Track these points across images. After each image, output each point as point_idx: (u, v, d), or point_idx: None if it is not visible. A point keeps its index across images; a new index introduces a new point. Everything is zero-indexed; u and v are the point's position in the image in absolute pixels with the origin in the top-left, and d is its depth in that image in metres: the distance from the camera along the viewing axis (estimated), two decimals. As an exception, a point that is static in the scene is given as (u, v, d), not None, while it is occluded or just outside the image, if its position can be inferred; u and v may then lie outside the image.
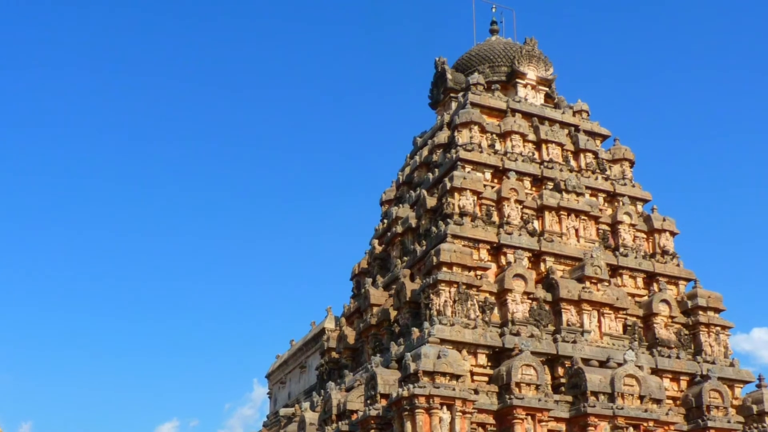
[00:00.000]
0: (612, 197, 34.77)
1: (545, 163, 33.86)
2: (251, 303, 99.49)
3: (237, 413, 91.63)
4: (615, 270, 32.42)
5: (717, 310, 32.52)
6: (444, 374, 25.81)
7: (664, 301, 31.71)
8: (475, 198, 31.42)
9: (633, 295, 32.20)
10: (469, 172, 32.16)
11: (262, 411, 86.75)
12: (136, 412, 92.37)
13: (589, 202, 33.16)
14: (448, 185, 31.25)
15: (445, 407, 25.33)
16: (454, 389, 25.53)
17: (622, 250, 32.87)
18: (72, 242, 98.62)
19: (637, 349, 29.83)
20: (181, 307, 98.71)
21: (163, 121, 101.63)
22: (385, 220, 36.44)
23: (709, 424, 29.28)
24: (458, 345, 27.62)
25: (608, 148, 36.40)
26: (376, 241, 36.28)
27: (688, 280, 33.64)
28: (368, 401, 27.47)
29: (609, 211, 34.18)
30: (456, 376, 25.99)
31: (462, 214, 30.89)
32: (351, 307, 35.63)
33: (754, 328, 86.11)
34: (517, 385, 26.74)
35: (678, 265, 33.75)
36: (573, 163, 34.88)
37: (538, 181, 33.46)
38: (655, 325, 31.21)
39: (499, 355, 28.25)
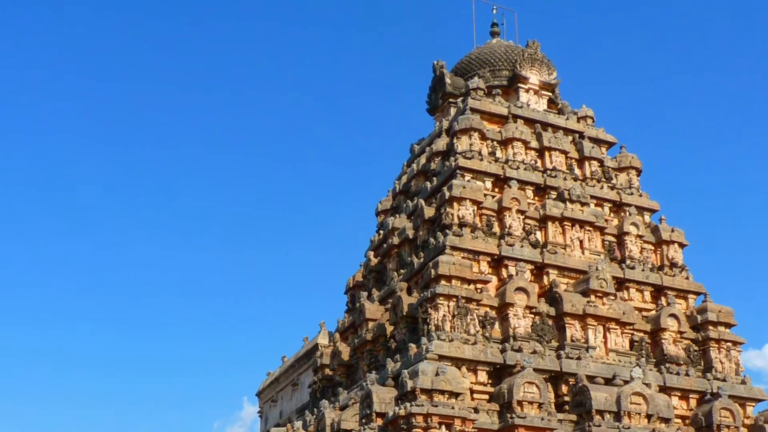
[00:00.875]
0: (618, 207, 34.90)
1: (548, 172, 34.00)
2: (241, 318, 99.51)
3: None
4: (621, 283, 32.53)
5: (728, 325, 32.64)
6: (442, 392, 25.88)
7: (673, 315, 31.83)
8: (475, 208, 31.54)
9: (640, 310, 32.31)
10: (468, 180, 32.28)
11: (253, 430, 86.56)
12: (123, 431, 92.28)
13: (594, 212, 33.28)
14: (447, 194, 31.37)
15: (443, 427, 25.38)
16: (453, 408, 25.59)
17: (628, 262, 33.00)
18: (55, 256, 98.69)
19: (644, 365, 29.93)
20: (167, 322, 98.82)
21: (148, 127, 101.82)
22: (381, 231, 36.53)
23: (720, 444, 29.40)
24: (457, 361, 27.70)
25: (614, 156, 36.55)
26: (371, 253, 36.37)
27: (697, 293, 33.77)
28: (363, 420, 27.53)
29: (615, 222, 34.31)
30: (455, 394, 26.06)
31: (461, 225, 31.01)
32: (345, 322, 35.70)
33: (767, 344, 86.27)
34: (519, 403, 26.82)
35: (687, 278, 33.88)
36: (577, 171, 35.02)
37: (541, 191, 33.59)
38: (663, 340, 31.32)
39: (500, 372, 28.34)
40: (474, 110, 34.75)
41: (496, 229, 31.73)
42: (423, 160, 36.34)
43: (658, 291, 33.19)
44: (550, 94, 37.66)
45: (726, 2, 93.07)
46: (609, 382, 28.65)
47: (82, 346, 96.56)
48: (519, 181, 32.97)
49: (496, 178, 33.15)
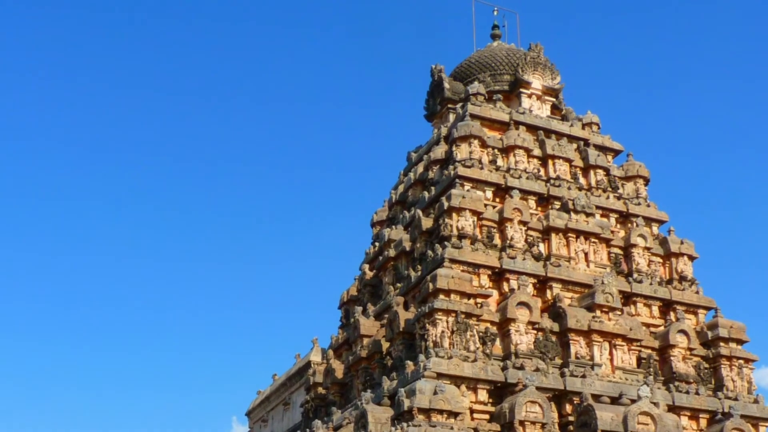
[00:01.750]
0: (625, 218, 35.03)
1: (552, 181, 34.12)
2: (230, 333, 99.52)
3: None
4: (628, 298, 32.64)
5: (740, 342, 32.73)
6: (441, 412, 25.96)
7: (682, 331, 31.92)
8: (475, 219, 31.64)
9: (648, 325, 32.41)
10: (468, 190, 32.39)
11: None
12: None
13: (599, 224, 33.39)
14: (446, 205, 31.47)
15: (442, 448, 25.43)
16: (452, 428, 25.66)
17: (636, 275, 33.11)
18: (38, 272, 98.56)
19: (652, 384, 30.01)
20: (152, 337, 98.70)
21: (137, 134, 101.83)
22: (377, 243, 36.62)
23: (732, 466, 29.49)
24: (456, 380, 27.77)
25: (621, 164, 36.69)
26: (366, 266, 36.45)
27: (708, 308, 33.87)
28: (358, 441, 27.58)
29: (621, 233, 34.43)
30: (454, 414, 26.13)
31: (461, 237, 31.10)
32: (339, 339, 35.77)
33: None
34: (521, 423, 26.88)
35: (697, 292, 33.99)
36: (582, 180, 35.15)
37: (544, 201, 33.70)
38: (672, 357, 31.41)
39: (501, 391, 28.41)
40: (474, 116, 34.87)
41: (497, 241, 31.83)
42: (420, 168, 36.45)
43: (667, 306, 33.29)
44: (554, 99, 37.79)
45: (739, 4, 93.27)
46: (615, 401, 28.72)
47: (67, 361, 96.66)
48: (521, 190, 33.09)
49: (497, 187, 33.26)
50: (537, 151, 34.81)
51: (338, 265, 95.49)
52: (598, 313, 30.29)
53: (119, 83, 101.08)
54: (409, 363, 28.44)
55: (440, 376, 27.32)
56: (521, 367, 28.56)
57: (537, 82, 37.35)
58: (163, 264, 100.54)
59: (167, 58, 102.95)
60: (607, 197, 35.02)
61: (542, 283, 31.47)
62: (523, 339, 29.32)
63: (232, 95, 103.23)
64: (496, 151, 34.28)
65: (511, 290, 30.47)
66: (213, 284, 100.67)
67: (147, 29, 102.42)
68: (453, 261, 30.23)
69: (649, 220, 35.24)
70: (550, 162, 34.67)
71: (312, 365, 38.69)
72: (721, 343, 32.41)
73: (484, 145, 33.99)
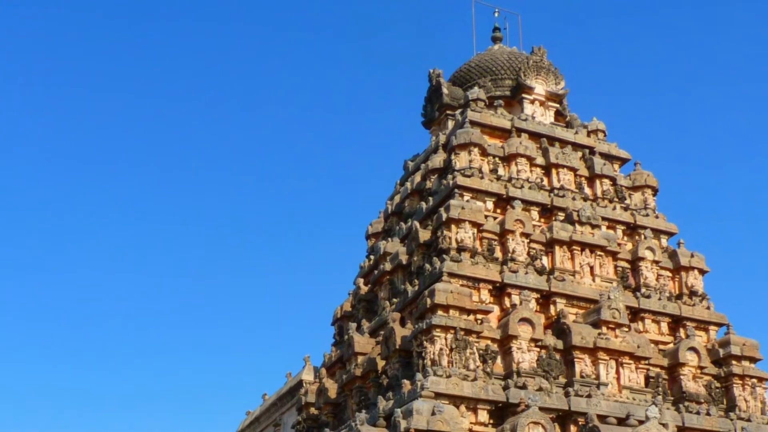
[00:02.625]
0: (632, 230, 35.15)
1: (555, 191, 34.23)
2: (218, 351, 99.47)
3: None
4: (636, 313, 32.74)
5: (753, 360, 32.82)
6: (439, 433, 26.00)
7: (693, 349, 32.00)
8: (475, 231, 31.74)
9: (656, 343, 32.49)
10: (468, 201, 32.49)
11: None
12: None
13: (606, 236, 33.49)
14: (444, 216, 31.57)
15: (440, 471, 25.50)
16: (450, 451, 25.71)
17: (643, 290, 33.21)
18: (19, 293, 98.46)
19: (661, 404, 30.07)
20: (137, 356, 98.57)
21: (115, 141, 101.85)
22: (372, 256, 36.69)
23: (744, 490, 29.59)
24: (456, 399, 27.83)
25: (628, 174, 36.82)
26: (361, 281, 36.52)
27: (719, 325, 33.97)
28: (352, 465, 27.64)
29: (629, 246, 34.53)
30: (453, 436, 26.17)
31: (460, 250, 31.19)
32: (332, 356, 35.82)
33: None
34: (524, 445, 26.94)
35: (708, 307, 34.09)
36: (587, 190, 35.26)
37: (548, 212, 33.82)
38: (681, 376, 31.50)
39: (502, 411, 28.47)
40: (474, 123, 34.99)
41: (498, 254, 31.91)
42: (418, 178, 36.55)
43: (676, 322, 33.39)
44: (558, 105, 37.93)
45: (753, 6, 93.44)
46: (622, 422, 28.78)
47: (47, 382, 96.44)
48: (523, 201, 33.20)
49: (498, 197, 33.37)
50: (540, 160, 34.92)
51: (331, 279, 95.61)
52: (604, 329, 30.37)
53: (102, 87, 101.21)
54: (406, 382, 28.49)
55: (438, 395, 27.38)
56: (523, 387, 28.62)
57: (540, 87, 37.47)
58: (146, 278, 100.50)
59: (152, 64, 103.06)
60: (614, 208, 35.13)
61: (545, 299, 31.56)
62: (525, 357, 29.40)
63: (219, 100, 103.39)
64: (497, 159, 34.40)
65: (513, 306, 30.56)
66: (199, 299, 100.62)
67: (135, 32, 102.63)
68: (452, 275, 30.32)
69: (657, 232, 35.35)
70: (553, 171, 34.79)
71: (304, 384, 38.81)
72: (734, 362, 32.50)
73: (484, 153, 34.11)
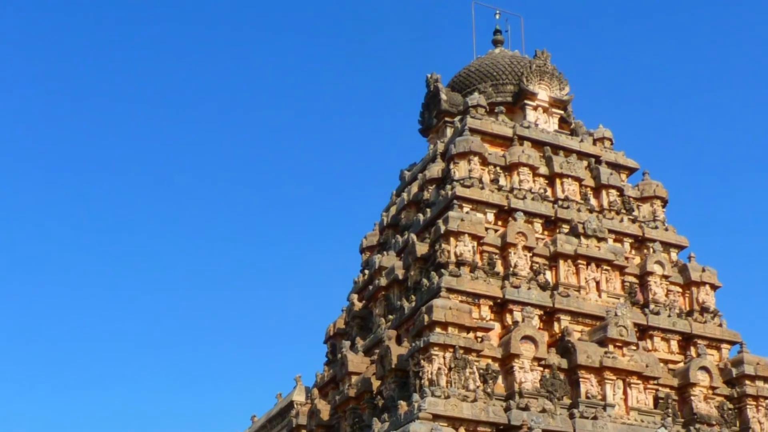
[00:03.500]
0: (640, 243, 35.23)
1: (560, 202, 34.33)
2: (205, 371, 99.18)
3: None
4: (644, 331, 32.82)
5: (767, 380, 32.87)
6: (437, 457, 26.05)
7: (704, 368, 32.06)
8: (475, 244, 31.82)
9: (666, 362, 32.57)
10: (467, 212, 32.57)
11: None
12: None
13: (612, 249, 33.58)
14: (443, 228, 31.64)
15: (438, 497, 25.54)
16: (449, 475, 25.74)
17: (652, 306, 33.29)
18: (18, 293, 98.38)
19: (670, 426, 30.14)
20: (118, 375, 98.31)
21: (98, 150, 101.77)
22: (366, 271, 36.76)
23: None
24: (454, 421, 27.87)
25: (636, 184, 36.93)
26: (355, 296, 36.57)
27: (732, 343, 34.05)
28: (345, 490, 27.68)
29: (637, 260, 34.61)
30: (452, 460, 26.22)
31: (459, 264, 31.26)
32: (325, 376, 35.86)
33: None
34: (526, 470, 27.00)
35: (720, 324, 34.17)
36: (593, 201, 35.36)
37: (551, 224, 33.90)
38: (692, 397, 31.56)
39: (504, 434, 28.53)
40: (474, 131, 35.07)
41: (500, 268, 31.99)
42: (415, 188, 36.63)
43: (687, 340, 33.46)
44: (562, 112, 38.05)
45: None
46: (630, 445, 28.85)
47: (27, 407, 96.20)
48: (526, 212, 33.28)
49: (499, 209, 33.45)
50: (543, 169, 35.01)
51: (324, 294, 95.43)
52: (610, 348, 30.43)
53: (83, 94, 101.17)
54: (402, 403, 28.53)
55: (436, 417, 27.41)
56: (526, 408, 28.66)
57: (543, 93, 37.58)
58: (129, 293, 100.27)
59: (140, 69, 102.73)
60: (621, 220, 35.21)
61: (549, 315, 31.63)
62: (528, 377, 29.44)
63: (210, 105, 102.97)
64: (498, 169, 34.48)
65: (515, 323, 30.61)
66: (184, 315, 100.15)
67: (124, 35, 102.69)
68: (451, 290, 30.37)
69: (667, 246, 35.44)
70: (557, 181, 34.88)
71: (295, 405, 38.77)
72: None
73: (484, 162, 34.20)
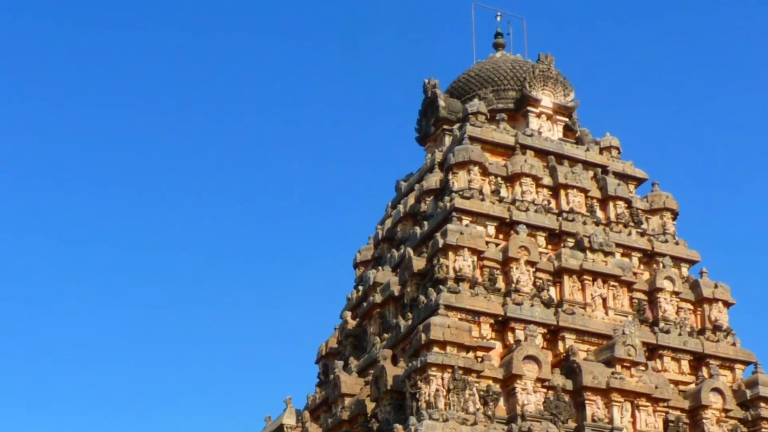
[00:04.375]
0: (650, 257, 35.22)
1: (564, 214, 34.32)
2: (190, 392, 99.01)
3: None
4: (653, 350, 32.81)
5: (783, 402, 32.90)
6: (435, 484, 26.01)
7: (716, 390, 32.06)
8: (475, 258, 31.81)
9: (676, 383, 32.56)
10: (467, 225, 32.56)
11: None
12: None
13: (620, 264, 33.56)
14: (441, 242, 31.63)
15: None
16: (447, 503, 25.70)
17: (662, 325, 33.28)
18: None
19: (681, 451, 30.14)
20: (99, 396, 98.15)
21: (82, 158, 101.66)
22: (360, 287, 36.74)
23: None
24: (453, 446, 27.85)
25: (645, 195, 36.95)
26: (348, 314, 36.55)
27: (746, 363, 34.03)
28: None
29: (646, 276, 34.61)
30: (450, 487, 26.18)
31: (458, 280, 31.24)
32: (316, 398, 35.81)
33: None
34: (529, 497, 26.95)
35: (734, 344, 34.16)
36: (600, 214, 35.36)
37: (556, 237, 33.90)
38: (704, 420, 31.53)
39: (505, 460, 28.49)
40: (473, 139, 35.06)
41: (501, 284, 31.98)
42: (411, 200, 36.62)
43: (699, 360, 33.44)
44: (567, 119, 38.07)
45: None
46: (638, 471, 28.83)
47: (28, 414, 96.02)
48: (528, 225, 33.27)
49: (500, 222, 33.45)
50: (547, 180, 35.01)
51: (315, 312, 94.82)
52: (618, 368, 30.41)
53: (75, 97, 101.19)
54: (398, 426, 28.48)
55: (434, 442, 27.39)
56: (529, 431, 28.67)
57: (547, 99, 37.61)
58: (112, 311, 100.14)
59: (128, 74, 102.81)
60: (629, 233, 35.20)
61: (553, 334, 31.61)
62: (530, 398, 29.41)
63: (198, 113, 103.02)
64: (499, 179, 34.48)
65: (517, 342, 30.57)
66: (169, 333, 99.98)
67: (116, 39, 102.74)
68: (449, 308, 30.34)
69: (677, 260, 35.43)
70: (562, 192, 34.88)
71: (285, 429, 38.70)
72: (762, 404, 32.55)
73: (485, 172, 34.20)
